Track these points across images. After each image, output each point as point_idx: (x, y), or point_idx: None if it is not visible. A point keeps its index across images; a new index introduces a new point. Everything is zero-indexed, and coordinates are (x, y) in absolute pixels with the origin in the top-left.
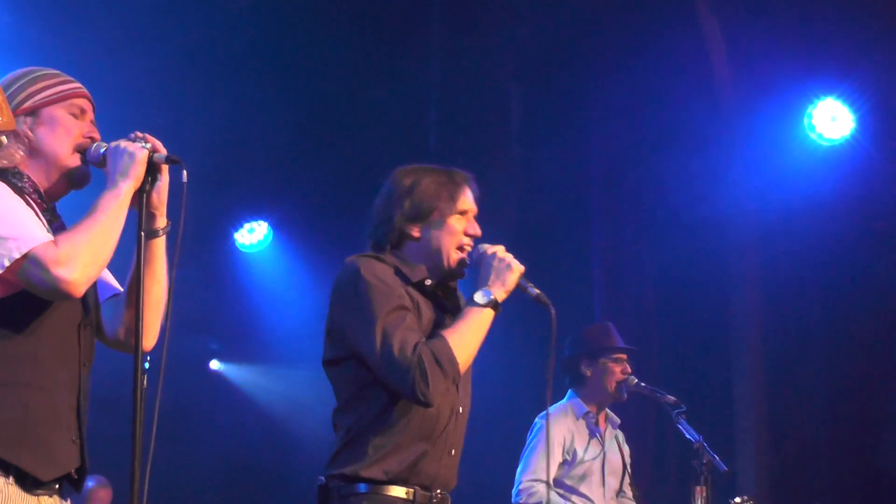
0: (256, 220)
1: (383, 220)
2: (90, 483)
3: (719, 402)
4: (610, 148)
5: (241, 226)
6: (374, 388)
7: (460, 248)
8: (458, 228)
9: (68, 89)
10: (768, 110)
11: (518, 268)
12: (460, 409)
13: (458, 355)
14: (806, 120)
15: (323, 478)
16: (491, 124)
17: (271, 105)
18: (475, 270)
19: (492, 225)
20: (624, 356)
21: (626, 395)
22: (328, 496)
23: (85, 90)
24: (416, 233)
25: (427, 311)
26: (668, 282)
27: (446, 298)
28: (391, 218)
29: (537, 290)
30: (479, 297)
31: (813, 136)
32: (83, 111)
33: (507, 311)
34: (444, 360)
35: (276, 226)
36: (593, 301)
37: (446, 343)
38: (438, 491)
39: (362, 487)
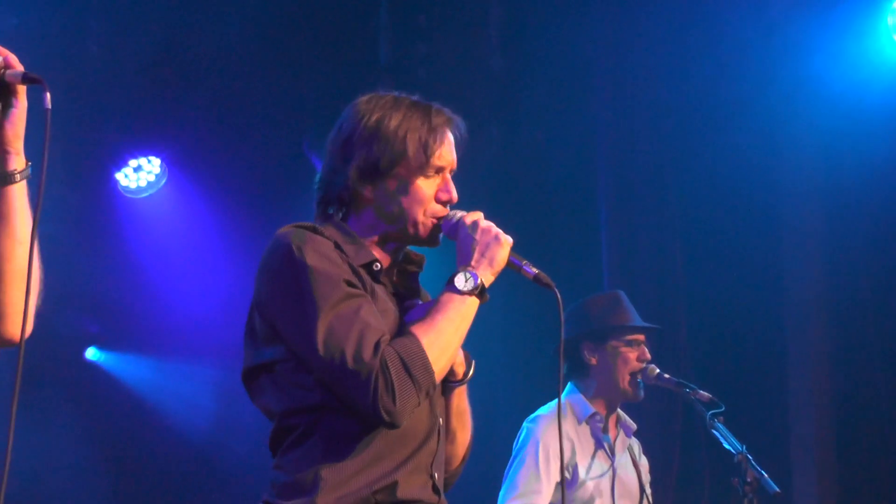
0: (146, 155)
1: (336, 170)
2: None
3: (769, 401)
4: (620, 59)
5: (126, 163)
6: (324, 397)
7: (432, 216)
8: (428, 193)
9: None
10: (836, 9)
11: (507, 241)
12: (441, 420)
13: (435, 359)
14: (890, 18)
15: None
16: (462, 28)
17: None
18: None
19: (464, 165)
20: (641, 337)
21: (642, 393)
22: None
23: None
24: (368, 193)
25: (386, 302)
26: (700, 238)
27: (404, 286)
28: (347, 169)
29: (535, 269)
30: (460, 281)
31: None
32: None
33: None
34: (417, 366)
35: (172, 163)
36: (600, 264)
37: (418, 343)
38: None
39: None
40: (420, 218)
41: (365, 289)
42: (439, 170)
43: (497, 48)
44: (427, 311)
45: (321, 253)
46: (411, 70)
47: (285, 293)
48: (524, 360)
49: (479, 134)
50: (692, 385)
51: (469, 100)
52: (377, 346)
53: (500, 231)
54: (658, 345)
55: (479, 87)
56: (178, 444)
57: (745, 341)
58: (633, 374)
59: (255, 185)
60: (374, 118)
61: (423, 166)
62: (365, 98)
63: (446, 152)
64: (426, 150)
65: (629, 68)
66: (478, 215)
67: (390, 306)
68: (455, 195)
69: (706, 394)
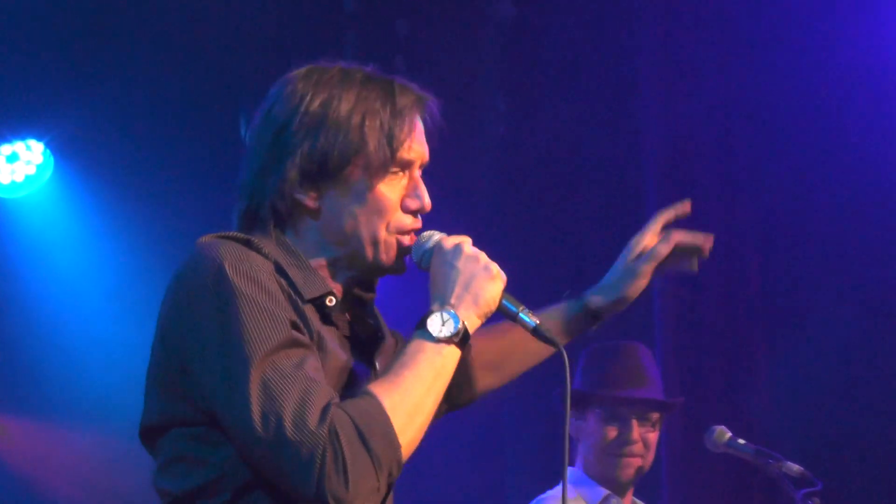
0: (23, 138)
1: (267, 170)
2: None
3: (885, 477)
4: (678, 16)
5: None
6: (239, 474)
7: (397, 233)
8: (392, 199)
9: None
10: None
11: (500, 276)
12: None
13: (401, 428)
14: None
15: None
16: None
17: None
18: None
19: (459, 154)
20: (651, 412)
21: (631, 471)
22: None
23: None
24: (310, 202)
25: (338, 354)
26: (784, 250)
27: (358, 319)
28: (282, 168)
29: (536, 319)
30: (435, 323)
31: None
32: None
33: None
34: (376, 435)
35: (59, 150)
36: (650, 290)
37: (380, 407)
38: None
39: None
40: (382, 235)
41: (311, 336)
42: (407, 165)
43: None
44: (390, 364)
45: (260, 279)
46: (386, 18)
47: (207, 327)
48: (537, 425)
49: (480, 110)
50: (776, 454)
51: (466, 61)
52: (326, 410)
53: (492, 262)
54: (734, 404)
55: (480, 42)
56: None
57: (851, 394)
58: (617, 461)
59: (173, 180)
60: (318, 100)
61: (387, 163)
62: (302, 72)
63: (417, 143)
64: (391, 142)
65: (692, 16)
66: (462, 239)
67: (337, 350)
68: (428, 201)
69: (796, 466)
